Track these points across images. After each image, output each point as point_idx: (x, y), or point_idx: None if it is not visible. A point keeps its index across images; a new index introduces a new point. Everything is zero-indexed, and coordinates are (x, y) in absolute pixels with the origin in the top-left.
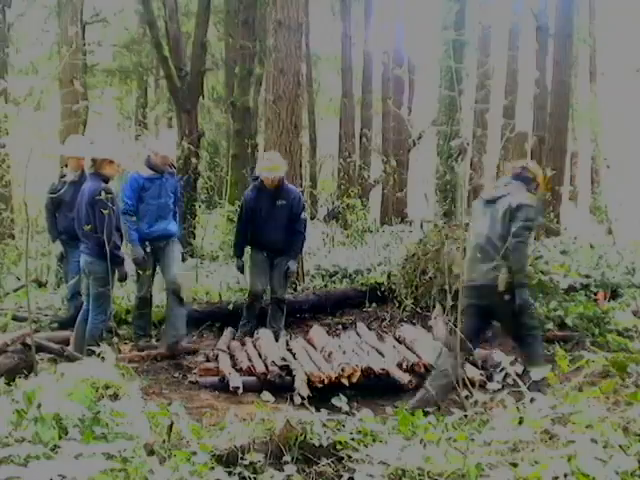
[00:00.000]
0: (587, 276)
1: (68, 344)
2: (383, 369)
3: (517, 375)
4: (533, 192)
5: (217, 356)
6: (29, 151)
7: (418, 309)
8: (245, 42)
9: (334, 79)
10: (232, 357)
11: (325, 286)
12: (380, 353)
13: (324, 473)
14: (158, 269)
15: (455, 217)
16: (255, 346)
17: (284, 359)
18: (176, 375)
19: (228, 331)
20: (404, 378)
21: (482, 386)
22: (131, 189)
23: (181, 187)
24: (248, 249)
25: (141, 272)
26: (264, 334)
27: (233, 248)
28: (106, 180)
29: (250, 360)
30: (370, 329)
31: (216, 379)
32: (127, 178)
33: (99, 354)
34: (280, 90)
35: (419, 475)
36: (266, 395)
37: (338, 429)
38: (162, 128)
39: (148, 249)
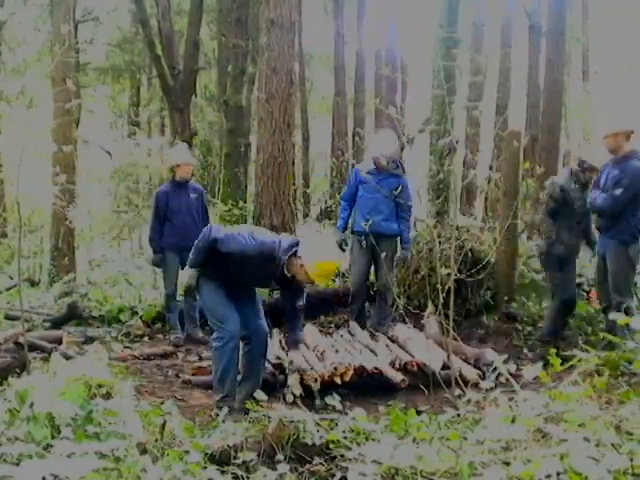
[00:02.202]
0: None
1: (61, 343)
2: (376, 368)
3: (510, 374)
4: None
5: None
6: (21, 150)
7: (411, 308)
8: (238, 41)
9: (327, 78)
10: None
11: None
12: (373, 352)
13: (317, 472)
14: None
15: (448, 216)
16: None
17: (278, 357)
18: (169, 374)
19: None
20: (397, 377)
21: (475, 385)
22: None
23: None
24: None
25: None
26: None
27: None
28: None
29: None
30: (363, 328)
31: (209, 378)
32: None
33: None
34: (273, 89)
35: (412, 474)
36: (259, 394)
37: (331, 428)
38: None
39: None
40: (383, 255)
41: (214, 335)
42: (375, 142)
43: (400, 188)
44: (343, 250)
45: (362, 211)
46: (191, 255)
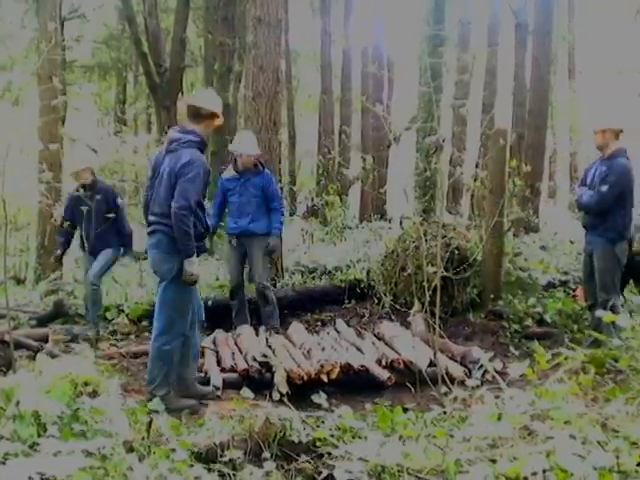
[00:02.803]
0: (566, 273)
1: (47, 341)
2: (362, 366)
3: (496, 371)
4: None
5: (203, 353)
6: (7, 147)
7: (397, 305)
8: (224, 39)
9: (313, 76)
10: (217, 354)
11: (304, 282)
12: (359, 350)
13: (303, 470)
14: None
15: (434, 214)
16: (236, 342)
17: (265, 355)
18: None
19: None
20: (383, 374)
21: (461, 382)
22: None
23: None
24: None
25: (227, 264)
26: (245, 330)
27: None
28: None
29: (233, 358)
30: (349, 326)
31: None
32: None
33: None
34: (259, 87)
35: (398, 471)
36: (246, 392)
37: (317, 426)
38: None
39: (234, 242)
40: (256, 256)
41: (165, 331)
42: (237, 144)
43: (264, 183)
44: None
45: (232, 215)
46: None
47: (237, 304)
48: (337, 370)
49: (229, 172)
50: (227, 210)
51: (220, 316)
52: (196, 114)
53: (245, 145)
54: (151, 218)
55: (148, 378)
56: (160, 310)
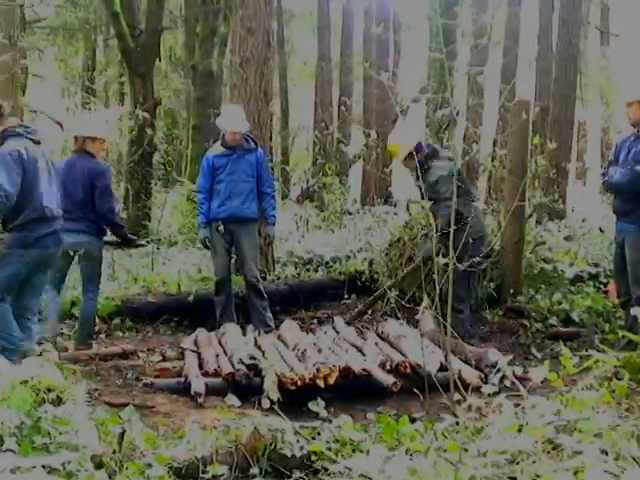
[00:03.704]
0: (596, 265)
1: None
2: (364, 369)
3: (516, 377)
4: None
5: (183, 355)
6: None
7: (404, 301)
8: None
9: (309, 39)
10: (199, 356)
11: (298, 275)
12: (360, 351)
13: None
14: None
15: None
16: (221, 342)
17: (253, 357)
18: (129, 376)
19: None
20: (388, 379)
21: (476, 389)
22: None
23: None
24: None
25: (213, 254)
26: (230, 328)
27: None
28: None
29: (217, 360)
30: (349, 324)
31: (174, 381)
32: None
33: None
34: (248, 52)
35: None
36: (231, 399)
37: (313, 437)
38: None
39: (221, 228)
40: (247, 244)
41: None
42: (228, 118)
43: (257, 163)
44: (208, 248)
45: (220, 197)
46: None
47: (223, 299)
48: (335, 374)
49: (217, 148)
50: (213, 192)
51: (203, 313)
52: None
53: (230, 120)
54: None
55: None
56: None
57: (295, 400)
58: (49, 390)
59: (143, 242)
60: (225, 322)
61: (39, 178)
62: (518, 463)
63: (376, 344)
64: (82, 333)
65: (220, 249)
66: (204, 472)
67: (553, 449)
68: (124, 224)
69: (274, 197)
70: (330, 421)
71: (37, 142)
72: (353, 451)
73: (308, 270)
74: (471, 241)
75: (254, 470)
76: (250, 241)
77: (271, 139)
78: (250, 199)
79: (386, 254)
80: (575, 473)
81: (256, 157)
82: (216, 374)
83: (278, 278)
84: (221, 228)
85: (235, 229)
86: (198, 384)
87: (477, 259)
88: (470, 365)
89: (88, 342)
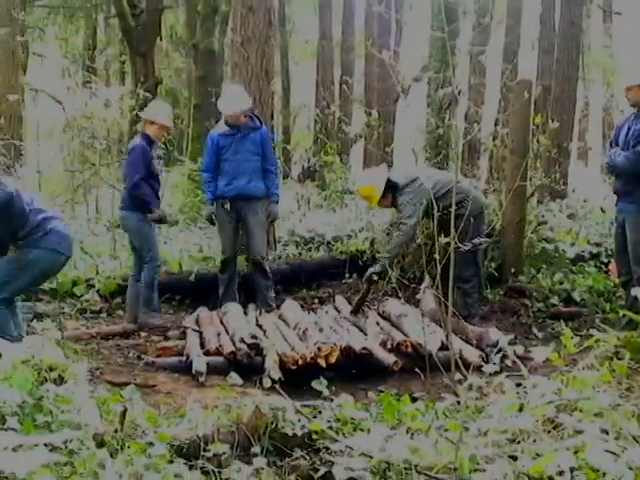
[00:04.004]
0: (597, 244)
1: None
2: (365, 348)
3: (517, 356)
4: None
5: (184, 334)
6: None
7: (405, 281)
8: None
9: (311, 18)
10: (200, 335)
11: (299, 255)
12: (362, 330)
13: (298, 466)
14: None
15: None
16: (222, 321)
17: (254, 336)
18: (130, 355)
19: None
20: (389, 359)
21: (477, 368)
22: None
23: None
24: None
25: (220, 232)
26: (232, 308)
27: None
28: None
29: (219, 339)
30: (350, 303)
31: (176, 360)
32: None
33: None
34: (249, 31)
35: (406, 469)
36: (233, 378)
37: (314, 416)
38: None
39: (227, 206)
40: (254, 223)
41: None
42: (226, 99)
43: (262, 140)
44: (213, 224)
45: (226, 176)
46: None
47: (227, 278)
48: (336, 353)
49: (221, 127)
50: (219, 171)
51: (204, 292)
52: None
53: (228, 102)
54: None
55: None
56: None
57: (296, 379)
58: (51, 369)
59: (169, 219)
60: (227, 301)
61: None
62: (519, 442)
63: (377, 323)
64: (142, 305)
65: (227, 227)
66: (205, 451)
67: (554, 428)
68: (150, 200)
69: (277, 175)
70: (331, 400)
71: None
72: (354, 430)
73: (309, 249)
74: (472, 220)
75: (255, 449)
76: (257, 219)
77: (272, 118)
78: (256, 177)
79: (387, 233)
80: (576, 452)
81: (260, 135)
82: (218, 353)
83: (279, 257)
84: (227, 206)
85: (242, 207)
86: (199, 363)
87: (477, 240)
88: (471, 344)
89: (149, 313)
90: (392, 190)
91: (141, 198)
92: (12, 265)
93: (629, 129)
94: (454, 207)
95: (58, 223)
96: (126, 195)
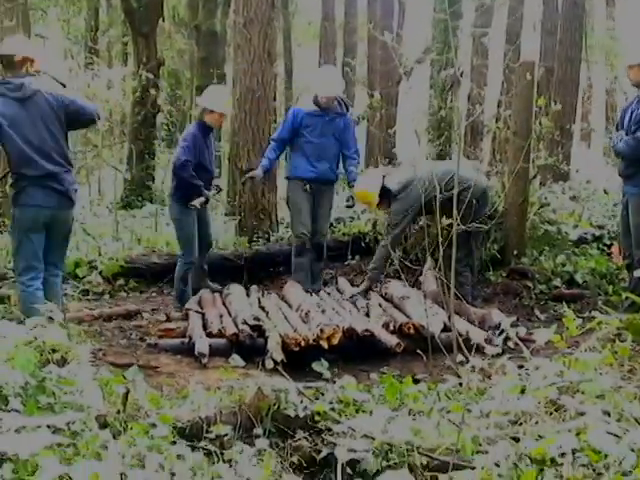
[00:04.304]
0: (600, 227)
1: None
2: (367, 330)
3: (519, 338)
4: None
5: (187, 316)
6: None
7: (407, 263)
8: None
9: (313, 0)
10: (203, 317)
11: None
12: (364, 312)
13: (300, 447)
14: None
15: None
16: (224, 303)
17: (257, 318)
18: (133, 337)
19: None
20: (391, 340)
21: (480, 350)
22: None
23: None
24: None
25: (296, 213)
26: (234, 289)
27: None
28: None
29: (221, 321)
30: (353, 285)
31: (178, 341)
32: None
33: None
34: (251, 12)
35: (408, 450)
36: (235, 359)
37: (316, 398)
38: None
39: (307, 187)
40: (326, 206)
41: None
42: (320, 80)
43: (344, 126)
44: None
45: (309, 158)
46: None
47: (305, 261)
48: (339, 335)
49: (309, 105)
50: (298, 150)
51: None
52: None
53: (326, 84)
54: None
55: None
56: None
57: (299, 361)
58: (53, 350)
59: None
60: (306, 285)
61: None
62: (521, 424)
63: (380, 305)
64: (175, 298)
65: (306, 209)
66: (208, 432)
67: (556, 410)
68: (196, 184)
69: (359, 163)
70: (334, 382)
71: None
72: (356, 411)
73: None
74: (474, 202)
75: (258, 430)
76: (329, 202)
77: (275, 100)
78: (336, 162)
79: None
80: (577, 434)
81: (344, 122)
82: (220, 335)
83: (282, 239)
84: (307, 187)
85: (318, 189)
86: (202, 345)
87: (476, 224)
88: (474, 326)
89: (178, 305)
90: (387, 195)
91: (187, 180)
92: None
93: (632, 113)
94: (456, 193)
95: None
96: (172, 182)
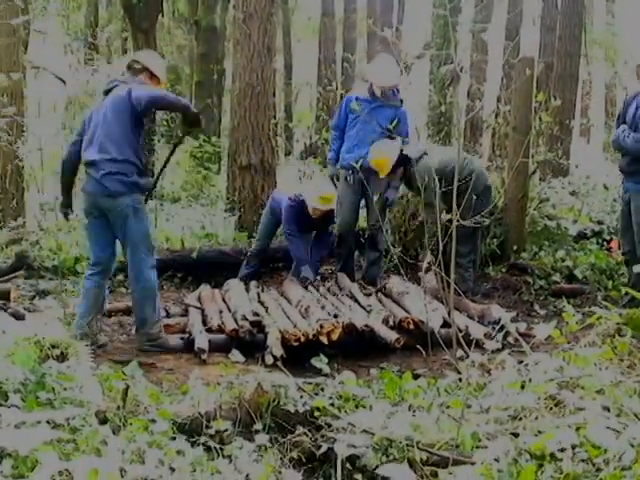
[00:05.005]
0: (600, 222)
1: (8, 298)
2: (367, 325)
3: (519, 333)
4: None
5: (186, 311)
6: None
7: (407, 258)
8: None
9: None
10: (202, 312)
11: None
12: (364, 308)
13: (300, 443)
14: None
15: None
16: (224, 299)
17: (256, 314)
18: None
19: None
20: (391, 336)
21: (479, 345)
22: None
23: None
24: None
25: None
26: (234, 285)
27: None
28: None
29: (221, 317)
30: (352, 281)
31: (178, 337)
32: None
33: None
34: (251, 7)
35: (407, 445)
36: (235, 355)
37: (316, 393)
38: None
39: (350, 178)
40: (375, 196)
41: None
42: (377, 70)
43: (397, 120)
44: (335, 185)
45: (349, 143)
46: None
47: (345, 252)
48: (338, 331)
49: (362, 92)
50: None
51: (206, 270)
52: None
53: (384, 74)
54: None
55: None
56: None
57: (298, 356)
58: (53, 346)
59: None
60: (345, 275)
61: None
62: (521, 419)
63: (379, 300)
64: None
65: (348, 199)
66: (208, 427)
67: (555, 405)
68: None
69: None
70: (333, 377)
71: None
72: (356, 407)
73: None
74: (474, 197)
75: (257, 425)
76: (378, 189)
77: (274, 95)
78: None
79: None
80: (577, 429)
81: (396, 114)
82: (220, 330)
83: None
84: (350, 178)
85: (364, 178)
86: (202, 340)
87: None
88: (473, 321)
89: None
90: (403, 163)
91: None
92: None
93: (637, 108)
94: (456, 182)
95: None
96: None
